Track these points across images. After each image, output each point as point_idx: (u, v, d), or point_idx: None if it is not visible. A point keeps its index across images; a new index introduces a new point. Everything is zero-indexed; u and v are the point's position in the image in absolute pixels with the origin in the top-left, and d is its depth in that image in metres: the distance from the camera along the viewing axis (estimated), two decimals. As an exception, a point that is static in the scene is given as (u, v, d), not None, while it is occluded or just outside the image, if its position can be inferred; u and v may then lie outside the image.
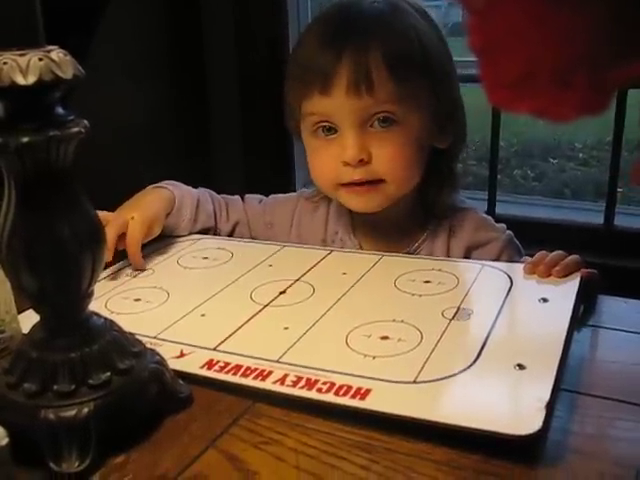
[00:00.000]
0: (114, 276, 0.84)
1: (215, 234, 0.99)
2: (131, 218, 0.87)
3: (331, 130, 0.85)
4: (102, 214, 0.85)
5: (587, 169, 1.98)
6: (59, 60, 0.47)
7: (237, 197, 1.04)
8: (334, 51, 0.81)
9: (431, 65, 0.84)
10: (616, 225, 1.62)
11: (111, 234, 0.83)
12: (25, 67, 0.45)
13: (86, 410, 0.50)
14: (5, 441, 0.48)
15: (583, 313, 0.71)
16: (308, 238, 0.97)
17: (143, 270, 0.85)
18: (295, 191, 1.06)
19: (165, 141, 1.83)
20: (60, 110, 0.49)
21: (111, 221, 0.86)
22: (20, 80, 0.45)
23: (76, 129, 0.49)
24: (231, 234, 1.00)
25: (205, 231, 0.98)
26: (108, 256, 0.81)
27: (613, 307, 0.74)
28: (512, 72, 0.24)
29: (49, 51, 0.47)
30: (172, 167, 1.75)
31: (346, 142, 0.82)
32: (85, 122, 0.50)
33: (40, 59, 0.46)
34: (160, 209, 0.91)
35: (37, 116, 0.48)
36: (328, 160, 0.85)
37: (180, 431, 0.55)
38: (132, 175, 1.64)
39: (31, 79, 0.45)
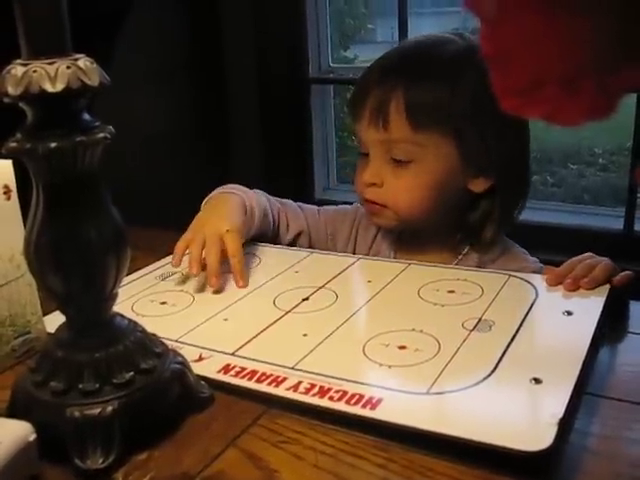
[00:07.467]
0: (142, 279, 0.84)
1: (274, 242, 0.97)
2: (226, 231, 0.83)
3: (366, 153, 0.91)
4: (186, 237, 0.84)
5: (607, 175, 1.97)
6: (86, 68, 0.48)
7: (293, 203, 1.03)
8: (370, 85, 0.89)
9: (467, 119, 0.85)
10: (636, 231, 1.61)
11: (213, 256, 0.80)
12: (54, 75, 0.47)
13: (110, 408, 0.51)
14: (32, 437, 0.49)
15: (614, 319, 0.70)
16: (358, 252, 0.99)
17: (246, 286, 0.81)
18: (314, 195, 1.07)
19: (185, 146, 1.84)
20: (86, 116, 0.51)
21: (208, 239, 0.82)
22: (49, 88, 0.46)
23: (102, 135, 0.50)
24: (292, 243, 0.99)
25: (261, 237, 0.95)
26: (215, 282, 0.80)
27: (634, 312, 0.74)
28: (522, 80, 0.25)
29: (76, 59, 0.48)
30: (192, 172, 1.77)
31: (367, 165, 0.91)
32: (110, 128, 0.51)
33: (68, 67, 0.47)
34: (242, 217, 0.88)
35: (65, 122, 0.49)
36: (358, 178, 0.93)
37: (201, 430, 0.56)
38: (151, 180, 1.67)
39: (59, 87, 0.47)
